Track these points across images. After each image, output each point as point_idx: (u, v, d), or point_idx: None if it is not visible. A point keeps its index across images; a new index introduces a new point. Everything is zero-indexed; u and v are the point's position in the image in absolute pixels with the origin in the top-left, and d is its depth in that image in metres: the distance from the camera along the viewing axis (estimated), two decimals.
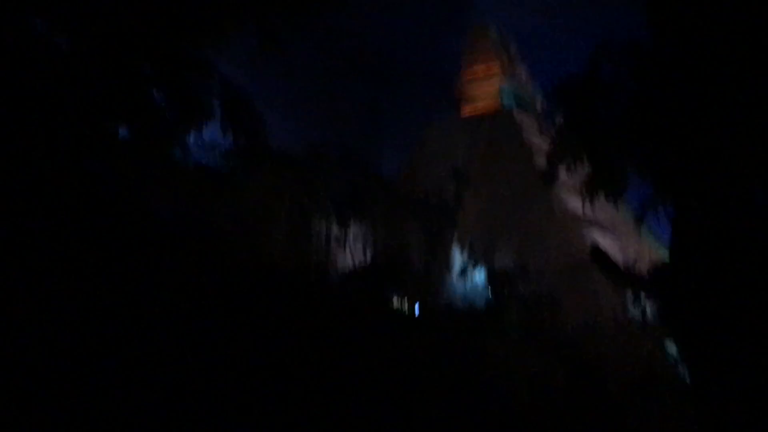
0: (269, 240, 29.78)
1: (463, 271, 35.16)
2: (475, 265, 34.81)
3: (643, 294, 38.08)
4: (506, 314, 29.70)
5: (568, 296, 29.81)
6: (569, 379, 27.64)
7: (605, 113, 12.40)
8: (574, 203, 40.03)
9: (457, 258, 37.12)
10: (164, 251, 14.59)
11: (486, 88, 48.14)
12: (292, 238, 30.76)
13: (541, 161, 41.29)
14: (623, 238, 40.73)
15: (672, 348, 33.06)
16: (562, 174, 41.11)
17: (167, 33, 11.65)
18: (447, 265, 36.20)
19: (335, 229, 31.70)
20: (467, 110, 48.26)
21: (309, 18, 12.49)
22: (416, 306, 30.93)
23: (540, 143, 44.09)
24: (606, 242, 38.66)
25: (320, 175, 30.65)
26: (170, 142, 12.98)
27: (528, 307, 29.13)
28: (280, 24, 12.04)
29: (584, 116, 12.71)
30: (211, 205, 27.74)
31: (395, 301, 30.53)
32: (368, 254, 33.04)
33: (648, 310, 36.30)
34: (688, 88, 11.28)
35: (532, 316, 29.58)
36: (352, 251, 32.99)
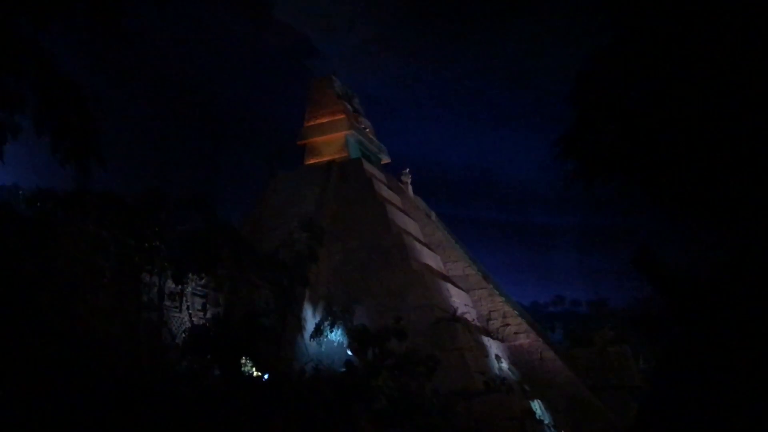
0: (87, 302, 24.67)
1: (318, 331, 31.67)
2: (331, 325, 31.48)
3: (503, 352, 36.90)
4: (372, 378, 26.55)
5: (435, 356, 27.32)
6: None
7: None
8: (431, 260, 38.37)
9: (311, 317, 33.60)
10: None
11: (331, 138, 46.07)
12: (117, 299, 25.79)
13: (395, 215, 39.45)
14: (477, 295, 39.63)
15: (537, 408, 31.68)
16: (414, 229, 39.06)
17: None
18: (299, 324, 32.55)
19: (170, 286, 27.08)
20: (313, 159, 45.71)
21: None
22: (265, 372, 26.92)
23: (391, 197, 42.42)
24: (463, 299, 37.21)
25: (154, 224, 26.12)
26: None
27: (397, 369, 26.21)
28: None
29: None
30: (13, 260, 22.41)
31: (241, 368, 26.33)
32: (209, 314, 28.60)
33: (509, 368, 34.92)
34: None
35: (401, 378, 26.68)
36: (190, 311, 28.43)
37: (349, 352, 30.75)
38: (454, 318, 33.32)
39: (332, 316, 31.98)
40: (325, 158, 44.84)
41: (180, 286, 27.70)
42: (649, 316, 51.86)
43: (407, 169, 48.31)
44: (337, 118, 46.41)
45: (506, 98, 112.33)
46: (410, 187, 47.04)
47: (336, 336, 31.76)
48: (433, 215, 45.19)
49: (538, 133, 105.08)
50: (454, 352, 28.70)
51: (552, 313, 57.36)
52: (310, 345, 31.75)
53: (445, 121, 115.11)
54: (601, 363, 38.85)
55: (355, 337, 28.08)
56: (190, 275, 28.00)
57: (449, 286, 37.14)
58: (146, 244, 25.57)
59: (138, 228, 25.16)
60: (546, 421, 31.40)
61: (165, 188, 26.22)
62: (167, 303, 27.31)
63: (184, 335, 25.41)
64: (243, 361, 25.13)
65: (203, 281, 29.15)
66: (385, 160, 49.26)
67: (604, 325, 44.67)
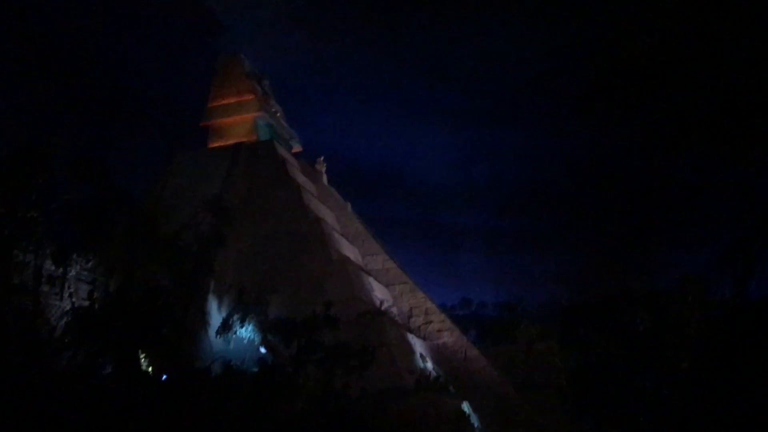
0: None
1: (226, 326, 27.70)
2: (242, 319, 27.60)
3: (426, 351, 34.22)
4: (296, 374, 23.03)
5: (361, 350, 24.15)
6: None
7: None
8: (349, 252, 35.27)
9: (216, 310, 29.53)
10: None
11: (239, 119, 42.04)
12: None
13: (311, 203, 36.03)
14: (398, 291, 36.88)
15: (467, 408, 29.18)
16: (330, 219, 35.63)
17: None
18: (203, 319, 28.45)
19: (49, 267, 22.41)
20: (218, 141, 41.49)
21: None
22: (164, 370, 22.82)
23: (306, 183, 38.97)
24: (384, 294, 34.32)
25: (30, 189, 21.45)
26: None
27: (326, 363, 22.83)
28: None
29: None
30: None
31: (136, 363, 22.14)
32: (96, 302, 24.02)
33: (433, 368, 32.30)
34: None
35: (332, 373, 23.32)
36: (73, 299, 23.73)
37: (263, 350, 27.06)
38: (379, 312, 30.39)
39: (243, 308, 28.13)
40: (232, 141, 40.78)
41: (61, 269, 23.07)
42: (566, 315, 51.13)
43: (321, 158, 44.99)
44: (245, 98, 42.47)
45: (423, 93, 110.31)
46: (325, 176, 43.75)
47: (247, 332, 27.90)
48: (349, 206, 42.11)
49: (452, 131, 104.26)
50: (381, 348, 25.62)
51: (459, 316, 55.13)
52: (216, 342, 27.74)
53: (360, 112, 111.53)
54: (527, 361, 37.09)
55: (275, 330, 24.45)
56: (74, 256, 23.45)
57: (371, 279, 34.15)
58: (19, 214, 20.86)
59: (9, 193, 20.45)
60: (476, 424, 28.92)
61: (53, 141, 21.46)
62: (45, 288, 22.58)
63: (65, 323, 20.88)
64: (141, 355, 21.01)
65: (90, 264, 24.52)
66: (297, 147, 45.69)
67: (521, 321, 43.09)
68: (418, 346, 32.17)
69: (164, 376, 22.38)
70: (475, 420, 29.37)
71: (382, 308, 31.11)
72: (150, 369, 22.14)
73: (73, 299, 23.96)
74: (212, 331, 28.11)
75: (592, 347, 52.69)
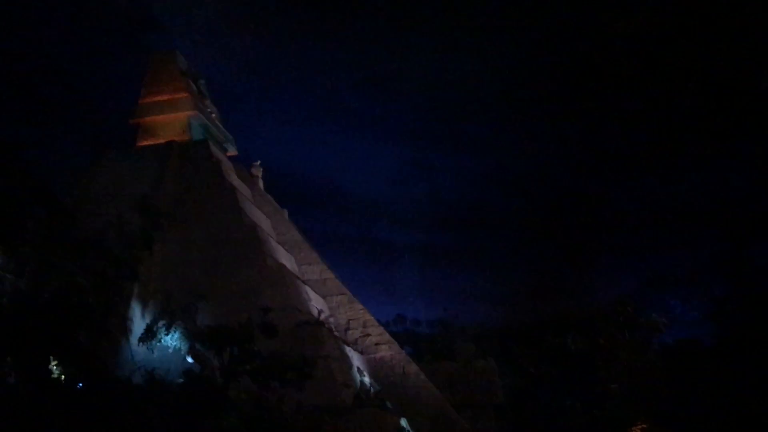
0: None
1: (150, 334, 25.61)
2: (168, 326, 25.58)
3: (363, 365, 32.78)
4: (228, 387, 21.24)
5: (300, 361, 22.58)
6: None
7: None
8: (286, 260, 33.64)
9: (139, 317, 27.34)
10: None
11: (172, 117, 39.84)
12: None
13: (247, 207, 34.24)
14: (336, 302, 35.41)
15: (406, 424, 27.92)
16: (267, 225, 33.98)
17: None
18: (125, 325, 26.23)
19: None
20: (148, 140, 39.13)
21: None
22: (79, 378, 20.69)
23: (241, 187, 37.16)
24: (321, 305, 32.78)
25: None
26: None
27: (261, 374, 21.14)
28: None
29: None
30: None
31: (46, 369, 19.98)
32: (4, 302, 21.62)
33: (370, 383, 30.92)
34: None
35: (258, 387, 21.61)
36: None
37: (189, 360, 25.08)
38: (318, 322, 28.81)
39: (169, 315, 26.13)
40: (163, 140, 38.54)
41: None
42: (502, 335, 50.72)
43: (258, 162, 43.14)
44: (179, 96, 40.29)
45: (365, 106, 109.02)
46: (261, 182, 41.96)
47: (173, 340, 25.90)
48: (286, 213, 40.44)
49: (392, 147, 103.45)
50: (319, 361, 24.09)
51: (393, 333, 53.83)
52: (139, 350, 25.59)
53: (298, 120, 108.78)
54: (466, 378, 36.16)
55: (204, 338, 22.59)
56: None
57: (308, 289, 32.53)
58: None
59: None
60: None
61: None
62: None
63: None
64: (53, 362, 18.85)
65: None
66: (232, 151, 43.73)
67: (456, 339, 42.32)
68: (356, 359, 30.73)
69: (79, 385, 20.24)
70: None
71: (321, 318, 29.57)
72: (62, 377, 19.94)
73: None
74: (135, 338, 25.97)
75: (525, 367, 52.40)
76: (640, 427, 44.62)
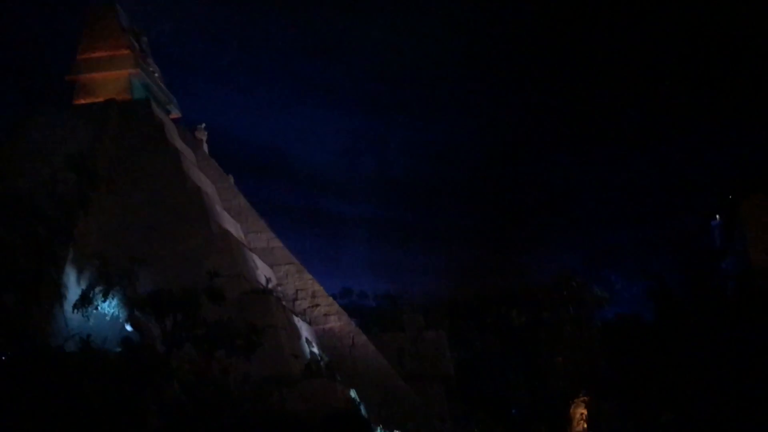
0: None
1: (86, 300, 24.07)
2: (105, 293, 24.09)
3: (312, 336, 31.94)
4: (165, 355, 20.04)
5: (248, 330, 21.55)
6: None
7: None
8: (231, 227, 32.31)
9: (74, 283, 25.67)
10: None
11: (111, 75, 37.62)
12: None
13: (191, 171, 32.69)
14: (284, 271, 34.36)
15: (356, 394, 27.31)
16: (211, 190, 32.40)
17: None
18: (58, 291, 24.57)
19: None
20: (86, 98, 36.88)
21: None
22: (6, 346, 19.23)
23: (185, 150, 35.50)
24: (268, 274, 31.69)
25: None
26: None
27: (208, 342, 20.03)
28: None
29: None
30: None
31: None
32: None
33: (319, 354, 30.14)
34: None
35: (202, 356, 20.50)
36: None
37: (129, 328, 23.75)
38: (266, 290, 27.75)
39: (106, 281, 24.63)
40: (102, 98, 36.38)
41: None
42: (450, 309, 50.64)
43: (203, 125, 41.26)
44: (120, 53, 38.01)
45: (314, 73, 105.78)
46: (206, 145, 40.22)
47: (110, 307, 24.45)
48: (231, 179, 38.92)
49: (342, 116, 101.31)
50: (267, 331, 23.09)
51: (340, 305, 53.02)
52: (73, 318, 24.04)
53: (245, 85, 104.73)
54: (416, 350, 35.76)
55: (144, 305, 21.28)
56: None
57: (255, 257, 31.36)
58: None
59: None
60: (364, 413, 27.05)
61: None
62: None
63: None
64: None
65: None
66: (175, 114, 41.67)
67: (404, 312, 41.90)
68: (305, 330, 29.85)
69: (6, 354, 18.75)
70: (362, 409, 27.51)
71: (269, 287, 28.51)
72: None
73: None
74: (69, 305, 24.36)
75: (472, 341, 52.55)
76: (582, 399, 45.39)
